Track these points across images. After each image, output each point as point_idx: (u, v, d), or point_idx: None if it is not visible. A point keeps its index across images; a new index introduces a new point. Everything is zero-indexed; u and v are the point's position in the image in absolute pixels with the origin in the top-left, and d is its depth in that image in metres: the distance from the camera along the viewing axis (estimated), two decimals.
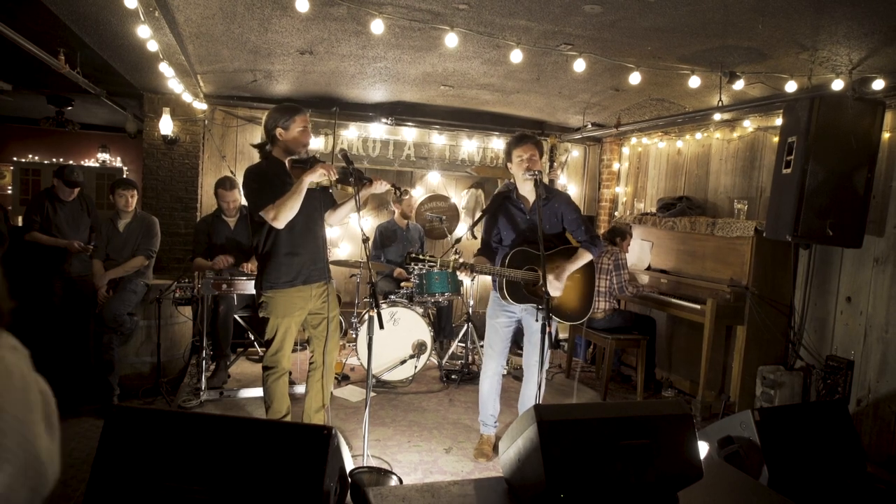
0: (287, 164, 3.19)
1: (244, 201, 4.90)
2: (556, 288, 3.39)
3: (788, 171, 3.79)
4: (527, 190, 3.49)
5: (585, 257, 3.48)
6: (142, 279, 4.57)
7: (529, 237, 3.43)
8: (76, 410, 3.93)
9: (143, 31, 3.23)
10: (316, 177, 3.01)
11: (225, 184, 4.80)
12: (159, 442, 2.09)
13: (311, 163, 3.12)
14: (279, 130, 3.15)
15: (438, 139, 6.46)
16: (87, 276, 4.55)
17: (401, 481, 2.49)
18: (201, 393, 4.28)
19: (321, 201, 3.32)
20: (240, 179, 3.68)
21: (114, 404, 3.93)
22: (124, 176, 9.77)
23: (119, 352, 4.34)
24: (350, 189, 3.15)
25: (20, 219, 6.65)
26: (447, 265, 3.22)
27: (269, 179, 3.12)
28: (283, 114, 3.15)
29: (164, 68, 4.06)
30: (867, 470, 3.31)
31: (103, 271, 4.46)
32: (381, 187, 3.18)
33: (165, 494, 2.03)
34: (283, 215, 3.02)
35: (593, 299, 3.67)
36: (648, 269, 5.41)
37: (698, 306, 4.50)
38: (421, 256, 3.20)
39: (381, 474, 2.45)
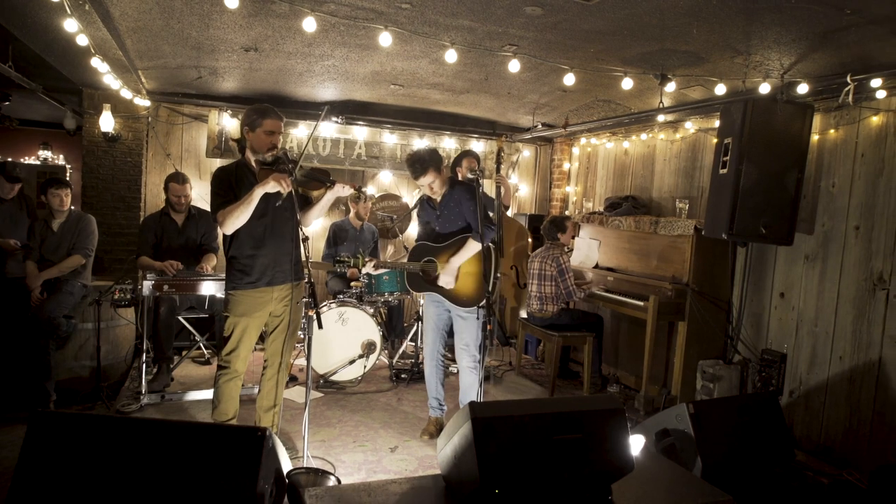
0: (256, 166, 3.19)
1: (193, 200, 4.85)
2: (447, 281, 3.66)
3: (725, 171, 3.92)
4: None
5: (472, 247, 3.62)
6: (79, 280, 4.43)
7: (438, 231, 3.78)
8: (10, 417, 3.79)
9: (71, 25, 3.12)
10: (269, 188, 2.98)
11: (178, 178, 4.73)
12: (85, 447, 2.03)
13: (277, 164, 3.09)
14: (246, 129, 3.19)
15: (390, 138, 6.44)
16: (22, 278, 4.38)
17: (339, 481, 2.48)
18: (142, 397, 4.17)
19: (292, 203, 3.17)
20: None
21: (39, 410, 3.81)
22: (67, 174, 9.45)
23: (57, 356, 4.20)
24: (314, 192, 3.13)
25: None
26: (358, 261, 3.53)
27: (229, 183, 3.15)
28: (253, 113, 3.17)
29: (98, 63, 3.93)
30: (797, 458, 3.45)
31: (37, 272, 4.29)
32: (344, 191, 3.18)
33: (91, 501, 1.98)
34: (229, 223, 3.04)
35: (485, 285, 3.81)
36: (596, 267, 5.51)
37: (642, 303, 4.61)
38: (344, 258, 3.51)
39: (319, 475, 2.44)
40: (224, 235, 3.22)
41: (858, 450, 3.78)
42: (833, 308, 4.00)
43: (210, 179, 3.23)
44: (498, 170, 4.55)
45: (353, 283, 5.33)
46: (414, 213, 6.61)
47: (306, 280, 2.88)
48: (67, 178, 9.16)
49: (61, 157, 9.74)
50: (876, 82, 3.50)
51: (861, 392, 3.79)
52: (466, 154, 4.77)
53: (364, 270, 3.51)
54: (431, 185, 3.67)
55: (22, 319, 4.28)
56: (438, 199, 3.76)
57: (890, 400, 3.62)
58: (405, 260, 3.81)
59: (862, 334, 3.81)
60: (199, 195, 5.51)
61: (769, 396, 3.25)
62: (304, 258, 2.93)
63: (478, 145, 6.72)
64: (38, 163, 9.49)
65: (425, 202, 3.88)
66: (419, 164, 3.61)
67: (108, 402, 4.18)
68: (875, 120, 3.82)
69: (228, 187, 3.13)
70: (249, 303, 3.20)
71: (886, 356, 3.67)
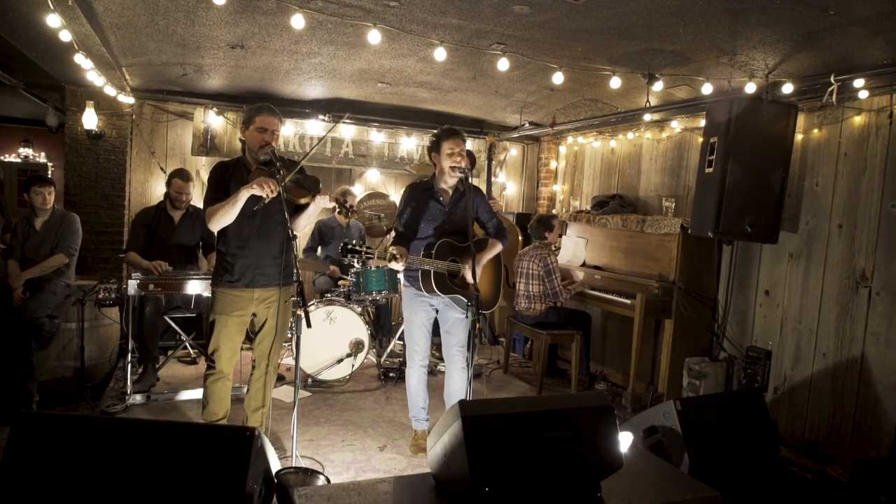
0: (252, 164, 3.16)
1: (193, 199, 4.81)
2: (472, 277, 3.51)
3: (710, 170, 3.95)
4: (449, 184, 3.56)
5: (497, 247, 3.71)
6: (62, 279, 4.37)
7: (448, 230, 3.54)
8: None
9: (54, 21, 3.07)
10: (254, 190, 2.95)
11: (182, 175, 4.71)
12: (70, 448, 2.01)
13: (270, 166, 3.06)
14: (242, 127, 3.21)
15: (377, 137, 6.42)
16: (3, 278, 4.31)
17: (328, 481, 2.48)
18: (127, 397, 4.12)
19: (283, 206, 3.06)
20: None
21: (22, 411, 3.75)
22: (49, 172, 9.31)
23: (39, 356, 4.14)
24: (300, 200, 3.10)
25: None
26: (383, 256, 3.24)
27: (223, 179, 3.16)
28: (249, 111, 3.18)
29: (81, 60, 3.88)
30: (782, 454, 3.49)
31: (19, 272, 4.23)
32: (326, 203, 3.14)
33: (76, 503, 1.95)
34: (214, 221, 3.05)
35: (501, 288, 3.87)
36: (583, 265, 5.54)
37: (629, 301, 4.63)
38: (357, 248, 3.18)
39: (308, 474, 2.43)
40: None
41: (841, 445, 3.83)
42: (817, 305, 4.05)
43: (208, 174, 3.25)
44: (490, 166, 4.51)
45: (340, 282, 5.31)
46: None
47: (295, 279, 2.85)
48: (50, 176, 9.03)
49: (43, 154, 9.60)
50: (859, 82, 3.54)
51: (844, 388, 3.85)
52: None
53: (391, 266, 3.23)
54: (462, 152, 3.46)
55: (4, 319, 4.22)
56: (450, 191, 3.55)
57: (871, 396, 3.68)
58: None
59: (845, 331, 3.86)
60: None
61: (754, 393, 3.29)
62: (294, 261, 2.90)
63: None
64: (18, 160, 9.35)
65: (429, 195, 3.57)
66: (456, 129, 3.52)
67: (92, 402, 4.13)
68: (858, 120, 3.87)
69: (222, 183, 3.14)
70: (228, 301, 3.19)
71: (869, 353, 3.72)
